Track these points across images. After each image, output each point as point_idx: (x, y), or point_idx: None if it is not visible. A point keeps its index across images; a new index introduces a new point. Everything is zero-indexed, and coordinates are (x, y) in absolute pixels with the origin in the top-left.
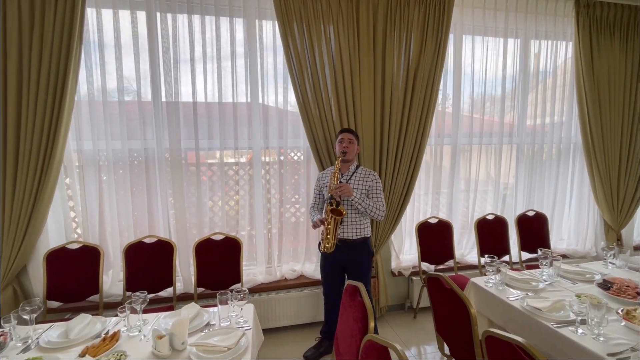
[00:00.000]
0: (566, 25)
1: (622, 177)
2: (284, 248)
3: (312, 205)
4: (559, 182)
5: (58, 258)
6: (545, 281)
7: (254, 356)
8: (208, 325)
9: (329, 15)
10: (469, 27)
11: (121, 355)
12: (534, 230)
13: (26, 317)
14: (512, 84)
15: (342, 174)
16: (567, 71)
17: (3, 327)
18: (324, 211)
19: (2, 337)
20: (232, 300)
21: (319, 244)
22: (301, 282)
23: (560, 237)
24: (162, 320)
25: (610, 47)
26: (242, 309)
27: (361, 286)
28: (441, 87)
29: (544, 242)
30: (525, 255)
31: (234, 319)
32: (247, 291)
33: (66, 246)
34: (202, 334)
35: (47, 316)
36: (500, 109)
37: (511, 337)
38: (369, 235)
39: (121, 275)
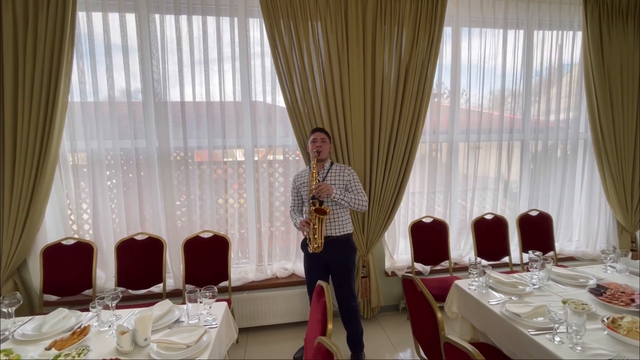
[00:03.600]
0: (573, 14)
1: (636, 175)
2: (276, 246)
3: (292, 208)
4: (566, 180)
5: (54, 253)
6: (534, 285)
7: (221, 355)
8: (177, 322)
9: (316, 11)
10: (466, 19)
11: (83, 349)
12: (537, 231)
13: (5, 310)
14: (515, 78)
15: (318, 173)
16: (575, 63)
17: None
18: (305, 212)
19: None
20: (201, 298)
21: (303, 244)
22: (292, 281)
23: (569, 239)
24: (133, 317)
25: (622, 36)
26: (210, 307)
27: (326, 286)
28: (437, 82)
29: (548, 244)
30: (528, 257)
31: (204, 316)
32: (216, 290)
33: (61, 242)
34: (168, 330)
35: (44, 309)
36: (502, 103)
37: (464, 346)
38: (351, 232)
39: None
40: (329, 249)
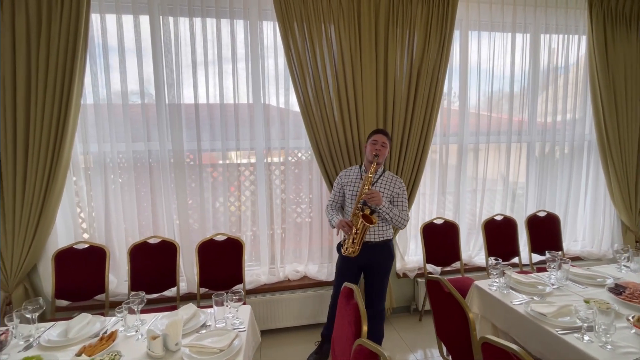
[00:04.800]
0: (578, 18)
1: None
2: (288, 249)
3: (329, 203)
4: (572, 181)
5: (66, 258)
6: (553, 285)
7: (248, 357)
8: (204, 326)
9: (329, 14)
10: (475, 22)
11: (115, 355)
12: (546, 232)
13: (28, 315)
14: (522, 81)
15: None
16: (580, 66)
17: (6, 325)
18: (343, 213)
19: (3, 336)
20: (227, 302)
21: (339, 245)
22: (304, 283)
23: (575, 239)
24: (159, 321)
25: (626, 40)
26: (237, 311)
27: (356, 289)
28: (447, 85)
29: (556, 244)
30: (537, 258)
31: (230, 320)
32: (243, 293)
33: (74, 246)
34: (197, 334)
35: (56, 314)
36: (509, 106)
37: (507, 345)
38: (391, 237)
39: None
40: (367, 254)
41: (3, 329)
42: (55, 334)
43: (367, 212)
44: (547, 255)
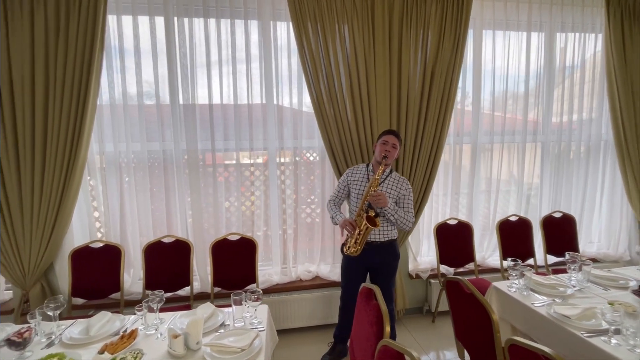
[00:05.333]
0: (595, 16)
1: None
2: (300, 249)
3: (332, 198)
4: (588, 181)
5: (82, 256)
6: (574, 287)
7: (268, 357)
8: (223, 325)
9: (343, 14)
10: (490, 21)
11: (137, 353)
12: (561, 233)
13: (50, 313)
14: (537, 80)
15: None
16: (596, 65)
17: (29, 323)
18: (349, 210)
19: (27, 333)
20: (246, 301)
21: (342, 245)
22: (316, 283)
23: (590, 240)
24: (178, 320)
25: None
26: (256, 310)
27: (376, 289)
28: (460, 84)
29: (572, 245)
30: (552, 259)
31: (248, 319)
32: (261, 292)
33: (89, 245)
34: (217, 334)
35: (72, 312)
36: (524, 106)
37: (537, 347)
38: (395, 237)
39: (141, 273)
40: (372, 254)
41: (25, 326)
42: (76, 332)
43: (372, 214)
44: (567, 256)
